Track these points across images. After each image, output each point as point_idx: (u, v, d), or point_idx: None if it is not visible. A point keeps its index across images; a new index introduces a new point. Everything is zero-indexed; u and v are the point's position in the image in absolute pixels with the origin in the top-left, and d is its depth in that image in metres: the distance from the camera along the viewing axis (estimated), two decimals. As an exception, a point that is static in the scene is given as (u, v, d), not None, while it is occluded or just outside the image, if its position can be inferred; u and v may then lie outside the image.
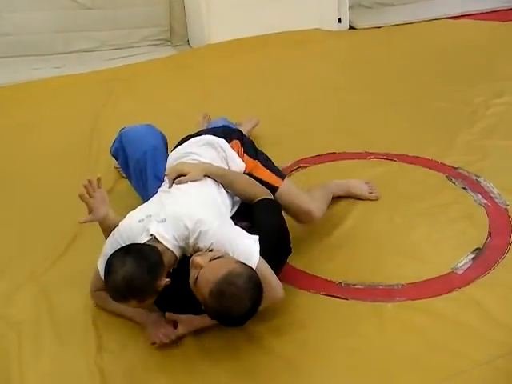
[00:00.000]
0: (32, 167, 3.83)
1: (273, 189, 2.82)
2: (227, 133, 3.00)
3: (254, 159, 2.94)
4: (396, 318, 2.52)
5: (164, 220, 2.42)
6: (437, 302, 2.59)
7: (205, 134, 2.98)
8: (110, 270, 2.27)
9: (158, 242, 2.38)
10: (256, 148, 3.03)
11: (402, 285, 2.68)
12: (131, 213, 2.58)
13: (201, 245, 2.38)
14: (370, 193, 3.28)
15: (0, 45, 5.47)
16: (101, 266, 2.46)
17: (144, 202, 2.77)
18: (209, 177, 2.69)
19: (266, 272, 2.37)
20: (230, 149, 2.88)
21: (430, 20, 6.19)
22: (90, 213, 2.56)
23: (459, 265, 2.78)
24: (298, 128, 4.09)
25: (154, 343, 2.43)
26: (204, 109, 4.00)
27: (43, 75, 5.19)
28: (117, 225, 2.54)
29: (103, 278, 2.34)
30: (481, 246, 2.89)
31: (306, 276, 2.75)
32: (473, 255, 2.83)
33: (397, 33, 5.96)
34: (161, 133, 3.21)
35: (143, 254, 2.28)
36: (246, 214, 2.67)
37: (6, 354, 2.46)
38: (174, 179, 2.65)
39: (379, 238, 3.00)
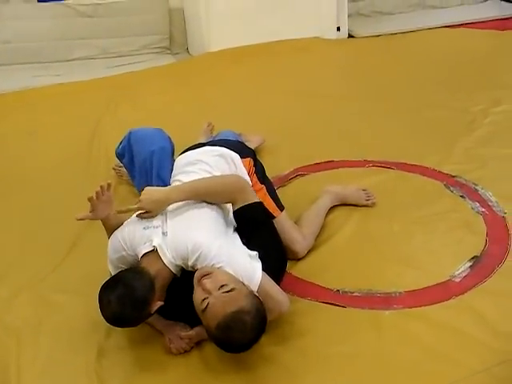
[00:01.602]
0: (32, 173, 3.84)
1: None
2: (242, 149, 3.02)
3: (261, 183, 2.95)
4: (393, 325, 2.52)
5: (166, 234, 2.43)
6: (434, 309, 2.59)
7: (220, 145, 2.98)
8: (100, 306, 2.32)
9: (158, 255, 2.39)
10: (265, 173, 3.05)
11: (400, 292, 2.68)
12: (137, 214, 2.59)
13: (200, 267, 2.38)
14: (367, 200, 3.28)
15: (1, 52, 5.51)
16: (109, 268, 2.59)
17: None
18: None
19: (270, 287, 2.40)
20: (242, 166, 2.89)
21: (428, 29, 6.23)
22: (90, 211, 2.55)
23: (457, 273, 2.78)
24: (296, 136, 4.10)
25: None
26: (203, 117, 4.02)
27: (44, 82, 5.23)
28: (120, 223, 2.56)
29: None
30: (478, 254, 2.89)
31: (303, 283, 2.76)
32: (470, 263, 2.84)
33: (395, 41, 5.99)
34: (169, 137, 3.24)
35: (129, 290, 2.28)
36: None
37: (4, 360, 2.46)
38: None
39: (377, 246, 3.00)
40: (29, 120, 4.62)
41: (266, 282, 2.38)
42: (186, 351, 2.44)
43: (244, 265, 2.39)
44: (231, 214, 2.65)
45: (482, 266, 2.82)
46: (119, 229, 2.55)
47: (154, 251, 2.40)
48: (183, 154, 3.01)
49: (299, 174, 3.61)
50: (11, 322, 2.67)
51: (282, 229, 2.82)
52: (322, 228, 3.08)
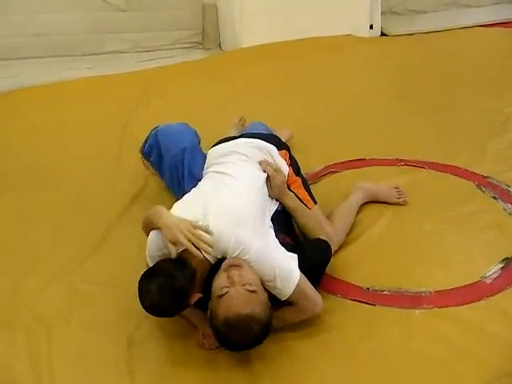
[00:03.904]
0: (64, 166, 3.87)
1: None
2: (277, 141, 3.02)
3: (297, 175, 2.96)
4: (423, 325, 2.53)
5: (208, 227, 2.42)
6: (464, 310, 2.59)
7: (255, 137, 2.96)
8: (139, 293, 2.32)
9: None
10: (299, 169, 3.05)
11: (430, 292, 2.68)
12: (176, 209, 2.56)
13: None
14: (399, 198, 3.26)
15: (35, 45, 5.53)
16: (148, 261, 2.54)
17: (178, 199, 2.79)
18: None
19: (306, 287, 2.43)
20: (279, 156, 2.89)
21: (461, 28, 6.15)
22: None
23: (488, 274, 2.77)
24: (328, 133, 4.09)
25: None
26: (234, 112, 4.02)
27: (76, 76, 5.24)
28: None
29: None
30: (510, 256, 2.87)
31: (333, 280, 2.75)
32: (502, 265, 2.82)
33: (429, 40, 5.93)
34: (195, 130, 3.22)
35: (171, 280, 2.28)
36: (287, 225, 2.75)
37: (36, 349, 2.50)
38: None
39: (408, 245, 3.00)
40: (61, 113, 4.64)
41: (303, 283, 2.41)
42: (217, 347, 2.42)
43: (283, 265, 2.40)
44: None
45: (513, 268, 2.80)
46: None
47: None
48: (216, 147, 3.00)
49: (330, 172, 3.60)
50: (42, 312, 2.70)
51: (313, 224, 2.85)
52: (353, 225, 3.08)
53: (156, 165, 3.32)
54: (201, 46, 6.01)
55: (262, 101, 4.66)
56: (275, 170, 2.77)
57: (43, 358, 2.45)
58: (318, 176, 3.55)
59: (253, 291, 2.27)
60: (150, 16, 5.77)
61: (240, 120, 3.84)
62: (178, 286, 2.28)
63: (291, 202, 2.80)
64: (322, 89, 4.88)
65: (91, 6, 5.63)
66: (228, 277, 2.29)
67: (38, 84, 5.10)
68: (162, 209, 2.51)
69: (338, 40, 5.81)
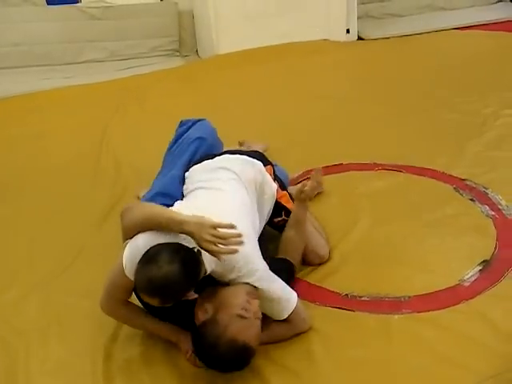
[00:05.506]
0: (41, 177, 3.85)
1: None
2: (262, 157, 2.96)
3: (283, 190, 2.94)
4: (402, 330, 2.51)
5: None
6: (443, 314, 2.58)
7: (241, 153, 2.89)
8: (155, 259, 2.12)
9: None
10: (283, 182, 3.04)
11: (409, 297, 2.67)
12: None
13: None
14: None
15: (11, 55, 5.54)
16: (129, 259, 2.27)
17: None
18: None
19: (301, 308, 2.47)
20: (267, 173, 2.83)
21: (438, 30, 6.20)
22: None
23: (466, 277, 2.77)
24: (306, 139, 4.09)
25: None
26: (212, 119, 3.99)
27: (53, 85, 5.25)
28: None
29: (137, 261, 2.18)
30: (488, 258, 2.87)
31: (312, 288, 2.75)
32: (480, 267, 2.82)
33: (405, 43, 5.97)
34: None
35: (192, 263, 2.17)
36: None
37: (13, 363, 2.48)
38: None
39: (386, 250, 2.99)
40: (38, 123, 4.63)
41: (299, 304, 2.46)
42: None
43: (283, 287, 2.44)
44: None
45: (491, 271, 2.80)
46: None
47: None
48: (200, 164, 2.85)
49: (308, 177, 3.57)
50: (20, 325, 2.69)
51: (309, 234, 2.87)
52: (331, 232, 3.07)
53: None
54: (178, 54, 6.03)
55: (241, 107, 4.68)
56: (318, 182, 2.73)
57: (20, 371, 2.44)
58: (297, 181, 3.54)
59: (260, 328, 2.28)
60: (127, 24, 5.78)
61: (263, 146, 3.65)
62: (196, 272, 2.18)
63: (304, 213, 2.79)
64: (300, 93, 4.90)
65: (67, 16, 5.66)
66: (249, 302, 2.27)
67: (15, 94, 5.10)
68: (165, 210, 2.36)
69: (314, 45, 5.83)
